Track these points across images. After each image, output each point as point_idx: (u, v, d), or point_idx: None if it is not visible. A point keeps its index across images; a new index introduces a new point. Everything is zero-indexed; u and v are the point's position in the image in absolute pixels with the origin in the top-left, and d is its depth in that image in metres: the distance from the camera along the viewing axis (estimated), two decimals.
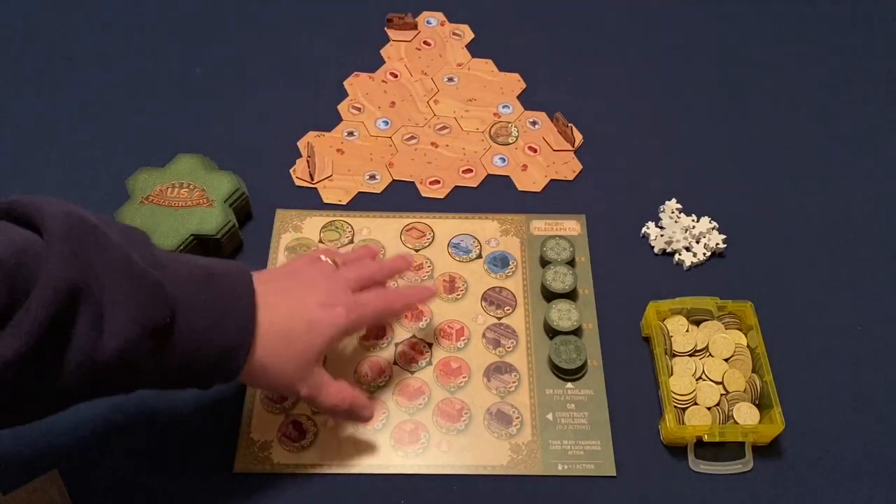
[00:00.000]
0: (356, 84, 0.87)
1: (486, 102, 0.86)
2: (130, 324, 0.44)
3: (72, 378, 0.44)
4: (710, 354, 0.66)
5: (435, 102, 0.86)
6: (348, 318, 0.57)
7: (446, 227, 0.76)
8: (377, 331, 0.68)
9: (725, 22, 0.95)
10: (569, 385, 0.66)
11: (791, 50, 0.93)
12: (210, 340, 0.50)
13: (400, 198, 0.78)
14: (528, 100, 0.87)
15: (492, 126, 0.84)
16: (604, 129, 0.84)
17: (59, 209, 0.44)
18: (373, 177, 0.79)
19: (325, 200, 0.77)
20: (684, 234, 0.74)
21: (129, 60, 0.89)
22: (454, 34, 0.93)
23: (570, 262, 0.72)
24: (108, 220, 0.48)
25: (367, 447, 0.62)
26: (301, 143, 0.81)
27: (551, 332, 0.68)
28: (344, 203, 0.77)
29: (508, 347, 0.68)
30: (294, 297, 0.56)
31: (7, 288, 0.40)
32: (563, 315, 0.68)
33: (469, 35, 0.93)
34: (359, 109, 0.85)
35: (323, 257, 0.62)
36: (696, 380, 0.65)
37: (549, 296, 0.70)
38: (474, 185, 0.79)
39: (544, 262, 0.72)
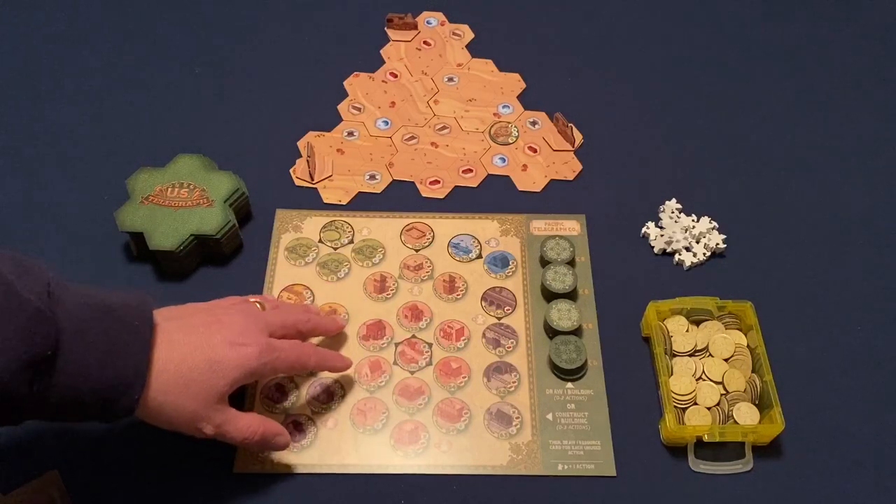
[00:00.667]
0: (356, 84, 0.87)
1: (486, 102, 0.86)
2: (7, 355, 0.44)
3: None
4: (710, 354, 0.66)
5: (435, 102, 0.86)
6: (259, 360, 0.55)
7: (446, 227, 0.76)
8: (377, 331, 0.68)
9: (726, 22, 0.95)
10: (569, 385, 0.66)
11: (791, 50, 0.93)
12: (100, 375, 0.48)
13: (400, 198, 0.78)
14: (528, 100, 0.87)
15: (492, 126, 0.84)
16: (604, 129, 0.84)
17: None
18: (373, 177, 0.79)
19: (325, 200, 0.77)
20: (684, 234, 0.74)
21: (130, 60, 0.89)
22: (454, 34, 0.93)
23: (570, 262, 0.72)
24: (1, 251, 0.48)
25: (367, 447, 0.62)
26: (301, 143, 0.81)
27: (551, 332, 0.68)
28: (344, 203, 0.77)
29: (508, 347, 0.68)
30: (200, 333, 0.54)
31: None
32: (563, 315, 0.68)
33: (469, 35, 0.93)
34: (359, 109, 0.85)
35: (252, 299, 0.61)
36: (696, 380, 0.65)
37: (549, 296, 0.70)
38: (474, 185, 0.79)
39: (544, 262, 0.72)
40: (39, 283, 0.47)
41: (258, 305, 0.61)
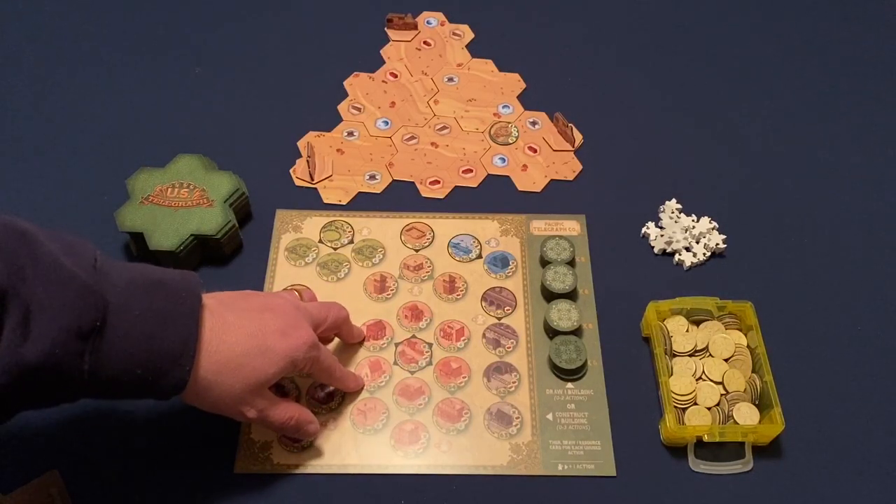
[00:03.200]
0: (356, 84, 0.87)
1: (486, 102, 0.86)
2: (56, 325, 0.44)
3: (1, 378, 0.43)
4: (710, 354, 0.66)
5: (435, 102, 0.86)
6: (306, 354, 0.56)
7: (446, 227, 0.76)
8: (377, 331, 0.68)
9: (726, 22, 0.95)
10: (569, 385, 0.66)
11: (792, 50, 0.93)
12: (149, 347, 0.49)
13: (400, 198, 0.78)
14: (528, 100, 0.87)
15: (492, 126, 0.84)
16: (604, 129, 0.84)
17: None
18: (373, 177, 0.79)
19: (325, 200, 0.77)
20: (684, 234, 0.74)
21: (130, 60, 0.89)
22: (454, 34, 0.93)
23: (570, 262, 0.72)
24: (48, 231, 0.48)
25: (367, 447, 0.62)
26: (301, 143, 0.81)
27: (551, 332, 0.68)
28: (344, 203, 0.77)
29: (508, 347, 0.68)
30: (253, 319, 0.55)
31: None
32: (563, 315, 0.68)
33: (469, 35, 0.93)
34: (359, 109, 0.85)
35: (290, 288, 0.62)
36: (696, 380, 0.65)
37: (549, 296, 0.70)
38: (474, 185, 0.79)
39: (544, 262, 0.72)
40: (86, 259, 0.48)
41: (296, 294, 0.62)
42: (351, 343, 0.67)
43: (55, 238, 0.48)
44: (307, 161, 0.79)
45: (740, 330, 0.68)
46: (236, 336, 0.53)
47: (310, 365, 0.58)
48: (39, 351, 0.44)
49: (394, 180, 0.79)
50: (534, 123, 0.84)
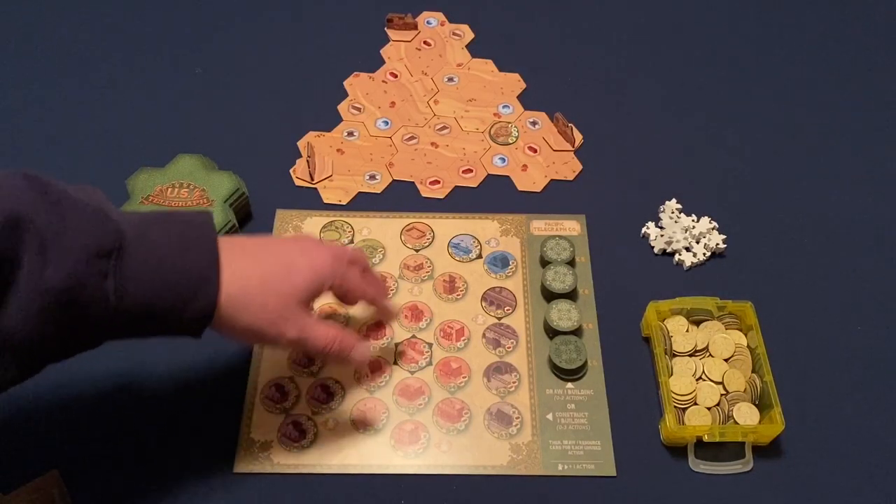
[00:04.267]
0: (356, 84, 0.87)
1: (486, 102, 0.86)
2: (76, 245, 0.44)
3: (26, 311, 0.43)
4: (710, 354, 0.66)
5: (435, 102, 0.86)
6: (331, 268, 0.56)
7: (446, 227, 0.76)
8: (377, 330, 0.68)
9: (726, 22, 0.95)
10: (569, 385, 0.66)
11: (792, 50, 0.93)
12: (173, 270, 0.48)
13: (400, 198, 0.78)
14: (528, 100, 0.87)
15: (492, 126, 0.84)
16: (604, 129, 0.84)
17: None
18: (373, 177, 0.79)
19: (325, 200, 0.77)
20: (684, 234, 0.74)
21: (130, 60, 0.89)
22: (454, 34, 0.93)
23: (570, 262, 0.72)
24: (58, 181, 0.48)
25: (367, 447, 0.62)
26: (301, 143, 0.81)
27: (551, 332, 0.68)
28: (344, 203, 0.77)
29: (508, 347, 0.68)
30: (272, 243, 0.55)
31: None
32: (563, 315, 0.68)
33: (469, 35, 0.93)
34: (359, 109, 0.85)
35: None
36: (696, 380, 0.65)
37: (549, 296, 0.70)
38: (474, 185, 0.79)
39: (544, 262, 0.72)
40: (96, 197, 0.48)
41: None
42: (378, 291, 0.64)
43: (62, 182, 0.48)
44: (307, 161, 0.79)
45: (740, 330, 0.68)
46: (257, 257, 0.53)
47: (340, 279, 0.57)
48: (62, 273, 0.44)
49: (394, 180, 0.79)
50: (534, 123, 0.84)
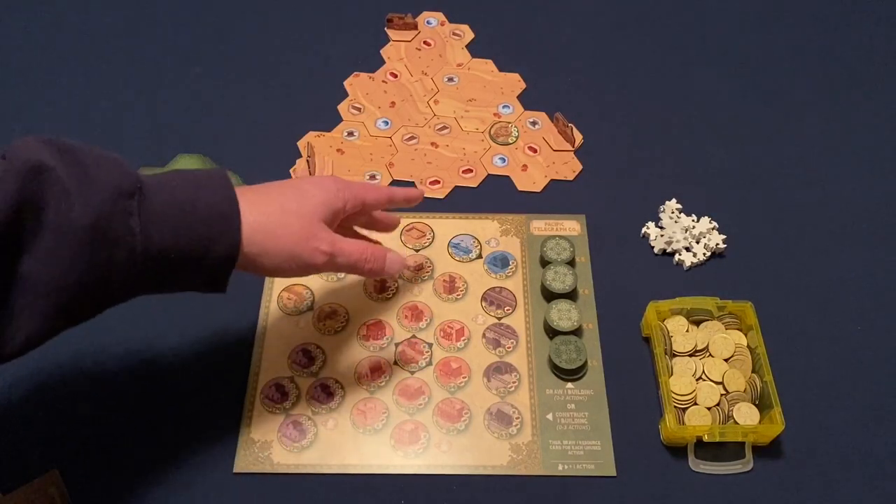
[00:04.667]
0: (356, 84, 0.87)
1: (486, 102, 0.86)
2: (99, 188, 0.46)
3: (55, 253, 0.44)
4: (710, 354, 0.66)
5: (435, 102, 0.86)
6: (338, 185, 0.58)
7: (446, 227, 0.76)
8: (377, 331, 0.68)
9: (726, 22, 0.95)
10: (569, 385, 0.66)
11: (793, 50, 0.93)
12: (195, 209, 0.49)
13: None
14: (528, 100, 0.87)
15: (492, 126, 0.84)
16: (604, 129, 0.84)
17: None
18: (373, 177, 0.79)
19: None
20: (684, 234, 0.74)
21: (130, 60, 0.89)
22: (454, 34, 0.93)
23: (570, 262, 0.72)
24: None
25: (367, 447, 0.62)
26: (301, 143, 0.81)
27: (551, 332, 0.68)
28: None
29: (508, 347, 0.68)
30: (276, 183, 0.58)
31: None
32: (563, 315, 0.68)
33: (469, 35, 0.93)
34: (359, 109, 0.85)
35: None
36: (696, 380, 0.65)
37: (549, 296, 0.70)
38: (474, 185, 0.79)
39: (544, 262, 0.72)
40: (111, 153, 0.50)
41: None
42: (385, 223, 0.67)
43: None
44: (307, 161, 0.79)
45: (740, 330, 0.68)
46: (269, 193, 0.55)
47: (351, 197, 0.59)
48: (89, 210, 0.45)
49: (394, 180, 0.79)
50: (534, 123, 0.84)
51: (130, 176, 0.48)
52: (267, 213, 0.53)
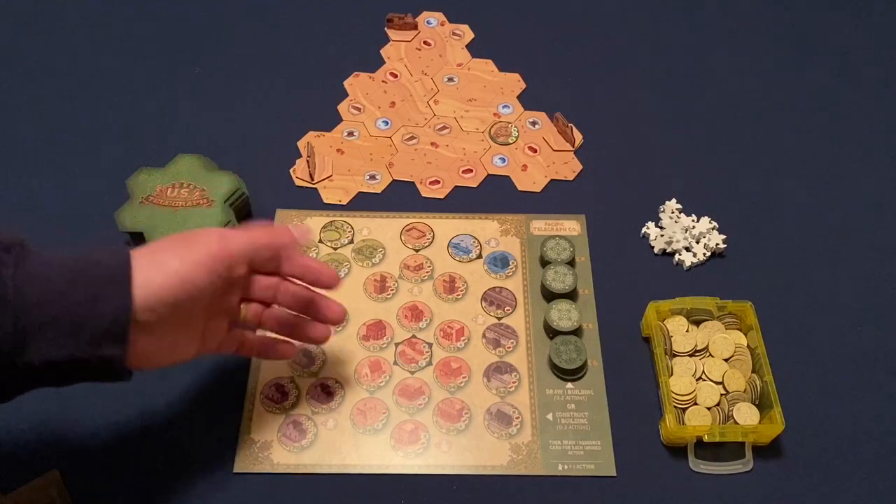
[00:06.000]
0: (356, 84, 0.87)
1: (486, 102, 0.86)
2: None
3: None
4: (710, 354, 0.66)
5: (435, 102, 0.86)
6: (220, 240, 0.51)
7: (446, 227, 0.76)
8: (377, 331, 0.68)
9: (725, 22, 0.95)
10: (569, 385, 0.66)
11: (793, 50, 0.93)
12: (78, 262, 0.46)
13: (400, 198, 0.78)
14: (528, 100, 0.87)
15: (492, 126, 0.84)
16: (604, 129, 0.84)
17: None
18: (373, 177, 0.79)
19: (325, 200, 0.77)
20: (684, 234, 0.74)
21: (129, 60, 0.89)
22: (454, 34, 0.93)
23: (570, 262, 0.72)
24: None
25: (367, 447, 0.62)
26: (301, 143, 0.81)
27: (551, 332, 0.68)
28: (344, 203, 0.77)
29: (508, 347, 0.68)
30: (171, 238, 0.52)
31: None
32: (563, 315, 0.68)
33: (469, 35, 0.93)
34: (359, 109, 0.85)
35: None
36: (696, 380, 0.65)
37: (549, 296, 0.70)
38: (474, 185, 0.79)
39: (544, 262, 0.72)
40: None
41: None
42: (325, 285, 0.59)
43: None
44: (307, 161, 0.79)
45: (740, 330, 0.68)
46: (156, 245, 0.51)
47: (233, 249, 0.52)
48: None
49: (394, 180, 0.79)
50: (534, 123, 0.84)
51: (9, 234, 0.45)
52: (157, 254, 0.49)
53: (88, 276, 0.46)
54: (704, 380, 0.65)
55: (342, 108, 0.85)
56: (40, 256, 0.46)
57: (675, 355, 0.66)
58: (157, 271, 0.48)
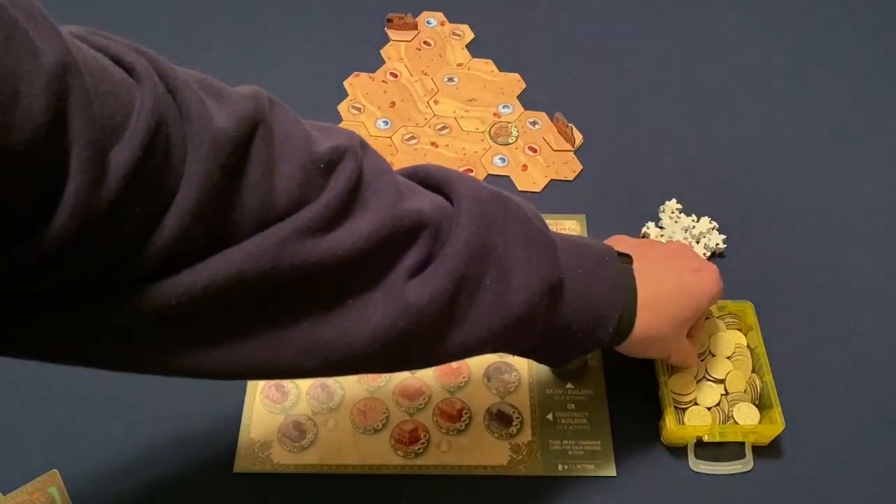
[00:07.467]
0: (356, 84, 0.87)
1: (486, 102, 0.86)
2: (534, 278, 0.46)
3: (484, 326, 0.46)
4: (711, 354, 0.66)
5: (435, 102, 0.86)
6: (719, 285, 0.59)
7: None
8: None
9: (725, 22, 0.95)
10: (569, 385, 0.66)
11: (793, 50, 0.93)
12: (587, 302, 0.51)
13: None
14: (528, 100, 0.87)
15: (492, 126, 0.84)
16: (604, 129, 0.84)
17: (462, 175, 0.47)
18: None
19: None
20: (684, 234, 0.74)
21: None
22: (454, 34, 0.93)
23: None
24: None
25: (367, 447, 0.62)
26: None
27: None
28: None
29: None
30: (664, 265, 0.57)
31: (431, 243, 0.44)
32: None
33: (469, 35, 0.93)
34: (359, 109, 0.85)
35: None
36: (697, 380, 0.65)
37: None
38: None
39: None
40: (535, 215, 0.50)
41: None
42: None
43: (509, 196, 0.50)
44: None
45: (740, 330, 0.68)
46: (658, 280, 0.55)
47: (703, 312, 0.59)
48: (520, 302, 0.46)
49: None
50: (534, 123, 0.84)
51: (556, 263, 0.48)
52: (651, 312, 0.55)
53: (596, 313, 0.52)
54: (705, 380, 0.65)
55: (342, 108, 0.85)
56: (567, 286, 0.50)
57: None
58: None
